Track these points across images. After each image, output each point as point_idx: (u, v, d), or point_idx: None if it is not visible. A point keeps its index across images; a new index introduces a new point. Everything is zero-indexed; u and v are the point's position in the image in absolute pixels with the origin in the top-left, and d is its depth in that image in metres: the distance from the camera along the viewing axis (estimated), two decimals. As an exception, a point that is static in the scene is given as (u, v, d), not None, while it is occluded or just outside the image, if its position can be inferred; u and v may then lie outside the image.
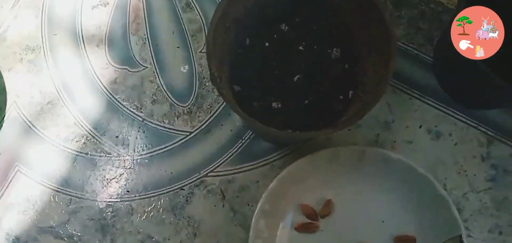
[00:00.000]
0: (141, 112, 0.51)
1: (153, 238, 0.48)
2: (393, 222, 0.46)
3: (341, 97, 0.44)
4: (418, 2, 0.52)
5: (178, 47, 0.53)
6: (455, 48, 0.43)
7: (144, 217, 0.48)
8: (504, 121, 0.49)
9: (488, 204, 0.47)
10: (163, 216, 0.48)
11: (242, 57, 0.46)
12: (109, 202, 0.49)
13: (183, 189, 0.49)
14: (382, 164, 0.46)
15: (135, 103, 0.51)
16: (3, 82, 0.53)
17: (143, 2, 0.55)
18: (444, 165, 0.48)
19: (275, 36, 0.46)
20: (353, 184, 0.47)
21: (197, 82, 0.52)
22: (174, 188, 0.49)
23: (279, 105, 0.45)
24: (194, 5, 0.54)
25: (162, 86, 0.52)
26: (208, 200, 0.48)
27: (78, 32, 0.54)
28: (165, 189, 0.49)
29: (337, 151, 0.46)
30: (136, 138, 0.51)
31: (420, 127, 0.49)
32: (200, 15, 0.54)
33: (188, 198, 0.48)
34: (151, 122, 0.51)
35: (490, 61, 0.39)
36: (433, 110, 0.49)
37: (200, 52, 0.53)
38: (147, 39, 0.53)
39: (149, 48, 0.53)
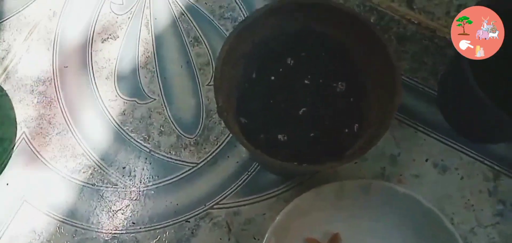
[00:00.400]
0: (148, 143, 0.52)
1: (158, 270, 0.47)
2: (400, 256, 0.46)
3: (346, 130, 0.44)
4: (422, 37, 0.53)
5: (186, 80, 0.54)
6: (458, 82, 0.44)
7: (149, 249, 0.48)
8: (509, 155, 0.49)
9: (496, 239, 0.47)
10: (169, 249, 0.48)
11: (249, 90, 0.46)
12: (114, 233, 0.49)
13: (189, 221, 0.49)
14: (389, 197, 0.46)
15: (143, 134, 0.52)
16: (14, 114, 0.54)
17: (152, 36, 0.56)
18: (451, 199, 0.48)
19: (281, 70, 0.47)
20: (360, 217, 0.47)
21: (204, 114, 0.52)
22: (180, 220, 0.49)
23: (285, 137, 0.45)
24: (202, 39, 0.55)
25: (169, 118, 0.52)
26: (213, 232, 0.48)
27: (88, 65, 0.56)
28: (171, 221, 0.49)
29: (343, 184, 0.46)
30: (143, 169, 0.51)
31: (426, 160, 0.49)
32: (208, 49, 0.55)
33: (194, 231, 0.48)
34: (158, 153, 0.51)
35: (495, 95, 0.39)
36: (439, 144, 0.49)
37: (208, 85, 0.53)
38: (156, 72, 0.54)
39: (157, 81, 0.54)
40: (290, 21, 0.43)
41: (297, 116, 0.46)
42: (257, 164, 0.50)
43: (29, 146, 0.53)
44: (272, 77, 0.47)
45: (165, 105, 0.53)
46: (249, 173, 0.50)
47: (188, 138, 0.52)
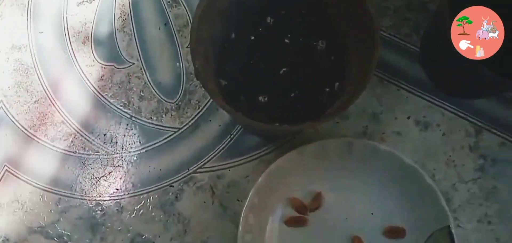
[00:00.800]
0: (129, 109, 0.51)
1: (143, 235, 0.48)
2: (382, 214, 0.46)
3: (327, 89, 0.44)
4: (405, -8, 0.52)
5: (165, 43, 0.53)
6: (440, 38, 0.43)
7: (133, 215, 0.48)
8: (492, 110, 0.49)
9: (477, 194, 0.47)
10: (153, 214, 0.48)
11: (228, 51, 0.45)
12: (98, 200, 0.49)
13: (173, 186, 0.49)
14: (371, 155, 0.46)
15: (123, 100, 0.51)
16: (-11, 82, 0.52)
17: (128, -2, 0.54)
18: (433, 155, 0.48)
19: (261, 29, 0.46)
20: (342, 176, 0.47)
21: (185, 78, 0.51)
22: (164, 185, 0.49)
23: (266, 99, 0.44)
24: (180, 0, 0.54)
25: (149, 82, 0.51)
26: (197, 196, 0.48)
27: (64, 30, 0.54)
28: (154, 186, 0.49)
29: (325, 143, 0.46)
30: (124, 135, 0.50)
31: (408, 118, 0.49)
32: (186, 10, 0.53)
33: (178, 195, 0.48)
34: (139, 119, 0.51)
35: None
36: (421, 101, 0.49)
37: (187, 47, 0.52)
38: (133, 35, 0.53)
39: (135, 44, 0.52)
40: None
41: (278, 77, 0.45)
42: (239, 127, 0.50)
43: (7, 115, 0.51)
44: (252, 37, 0.46)
45: (144, 70, 0.52)
46: (231, 136, 0.50)
47: (169, 102, 0.51)
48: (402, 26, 0.51)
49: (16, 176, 0.50)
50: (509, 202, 0.47)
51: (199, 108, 0.51)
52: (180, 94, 0.51)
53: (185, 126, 0.50)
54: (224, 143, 0.50)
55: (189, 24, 0.53)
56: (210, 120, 0.50)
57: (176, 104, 0.51)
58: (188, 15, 0.53)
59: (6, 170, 0.50)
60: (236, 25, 0.45)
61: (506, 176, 0.47)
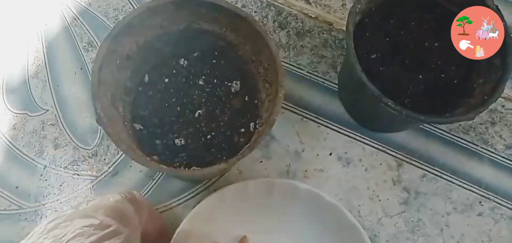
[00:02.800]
0: (43, 158, 0.48)
1: None
2: (307, 253, 0.45)
3: (243, 130, 0.43)
4: (320, 31, 0.53)
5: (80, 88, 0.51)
6: (351, 75, 0.44)
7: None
8: (411, 143, 0.49)
9: (403, 228, 0.47)
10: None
11: (143, 94, 0.44)
12: (7, 259, 0.45)
13: (88, 238, 0.46)
14: (292, 194, 0.45)
15: (36, 149, 0.48)
16: None
17: (42, 42, 0.52)
18: (357, 191, 0.48)
19: (174, 71, 0.45)
20: (266, 217, 0.46)
21: (103, 123, 0.49)
22: (79, 237, 0.46)
23: (182, 141, 0.43)
24: (97, 43, 0.52)
25: (64, 129, 0.49)
26: (115, 247, 0.46)
27: (-25, 78, 0.51)
28: (69, 240, 0.46)
29: (246, 184, 0.45)
30: (38, 187, 0.47)
31: (330, 154, 0.49)
32: (105, 54, 0.52)
33: (94, 247, 0.46)
34: (53, 168, 0.48)
35: (387, 85, 0.39)
36: (342, 137, 0.49)
37: (106, 92, 0.51)
38: (47, 81, 0.51)
39: (50, 90, 0.50)
40: (174, 20, 0.41)
41: (194, 119, 0.44)
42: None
43: None
44: (166, 80, 0.45)
45: (59, 116, 0.49)
46: (155, 181, 0.48)
47: (85, 149, 0.49)
48: (319, 63, 0.51)
49: None
50: (433, 235, 0.47)
51: (118, 154, 0.49)
52: (98, 140, 0.49)
53: (103, 173, 0.48)
54: (147, 188, 0.48)
55: (107, 68, 0.51)
56: (131, 166, 0.48)
57: (93, 150, 0.49)
58: (107, 59, 0.52)
59: None
60: (150, 68, 0.45)
61: (429, 208, 0.48)
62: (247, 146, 0.39)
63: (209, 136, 0.43)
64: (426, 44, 0.44)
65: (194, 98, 0.45)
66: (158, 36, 0.42)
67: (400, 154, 0.49)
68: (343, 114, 0.50)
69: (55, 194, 0.47)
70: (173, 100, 0.44)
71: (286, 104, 0.50)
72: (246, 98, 0.44)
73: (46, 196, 0.47)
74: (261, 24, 0.40)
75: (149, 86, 0.45)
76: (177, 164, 0.42)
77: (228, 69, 0.45)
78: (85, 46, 0.52)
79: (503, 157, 0.49)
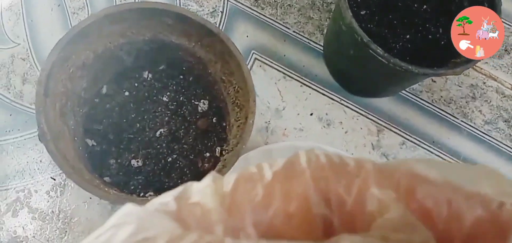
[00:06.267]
0: (9, 93, 0.45)
1: None
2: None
3: (208, 154, 0.40)
4: (312, -5, 0.52)
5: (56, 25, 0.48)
6: (337, 37, 0.43)
7: None
8: (392, 109, 0.49)
9: (379, 195, 0.46)
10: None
11: (99, 107, 0.40)
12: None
13: (54, 179, 0.43)
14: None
15: (3, 83, 0.46)
16: None
17: (19, -25, 0.50)
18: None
19: (136, 84, 0.41)
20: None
21: (77, 63, 0.47)
22: (46, 176, 0.43)
23: (140, 163, 0.39)
24: (77, -19, 0.50)
25: (35, 65, 0.47)
26: (80, 190, 0.43)
27: None
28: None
29: (269, 149, 0.42)
30: (5, 121, 0.45)
31: (311, 114, 0.48)
32: (85, -5, 0.50)
33: (61, 191, 0.43)
34: (20, 104, 0.45)
35: (375, 42, 0.38)
36: (323, 98, 0.48)
37: (83, 32, 0.48)
38: (21, 14, 0.48)
39: (23, 24, 0.48)
40: (138, 29, 0.38)
41: (154, 139, 0.40)
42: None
43: None
44: (126, 93, 0.41)
45: (30, 51, 0.47)
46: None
47: (56, 88, 0.46)
48: (306, 24, 0.51)
49: None
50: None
51: (91, 97, 0.46)
52: (70, 80, 0.46)
53: (73, 115, 0.46)
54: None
55: (86, 6, 0.49)
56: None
57: (65, 90, 0.46)
58: (86, -1, 0.50)
59: None
60: (109, 79, 0.41)
61: (407, 177, 0.47)
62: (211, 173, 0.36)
63: (170, 159, 0.40)
64: (415, 6, 0.44)
65: (156, 116, 0.41)
66: (120, 45, 0.38)
67: (381, 120, 0.48)
68: (327, 76, 0.49)
69: (18, 130, 0.44)
70: (133, 116, 0.41)
71: (270, 61, 0.49)
72: (214, 120, 0.41)
73: (9, 130, 0.44)
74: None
75: (107, 99, 0.41)
76: (132, 188, 0.38)
77: (196, 87, 0.42)
78: (64, -18, 0.50)
79: (482, 132, 0.49)
